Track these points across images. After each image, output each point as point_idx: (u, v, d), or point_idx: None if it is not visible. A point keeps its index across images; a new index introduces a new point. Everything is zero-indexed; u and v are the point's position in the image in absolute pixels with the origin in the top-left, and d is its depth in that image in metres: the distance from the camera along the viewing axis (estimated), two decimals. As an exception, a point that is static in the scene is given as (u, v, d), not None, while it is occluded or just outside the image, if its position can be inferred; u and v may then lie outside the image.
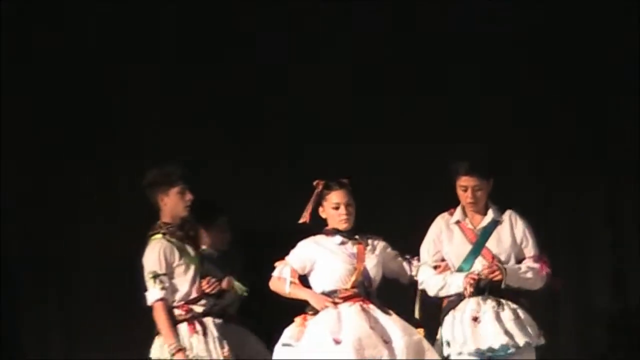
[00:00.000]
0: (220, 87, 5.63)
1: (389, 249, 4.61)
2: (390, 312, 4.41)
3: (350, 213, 4.49)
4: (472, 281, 4.40)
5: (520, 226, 4.56)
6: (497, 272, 4.41)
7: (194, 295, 4.53)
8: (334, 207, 4.48)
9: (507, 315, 4.42)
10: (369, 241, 4.55)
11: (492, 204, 4.60)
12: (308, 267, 4.52)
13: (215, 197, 5.11)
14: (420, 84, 5.59)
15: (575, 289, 5.53)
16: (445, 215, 4.63)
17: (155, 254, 4.47)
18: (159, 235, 4.52)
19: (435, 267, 4.55)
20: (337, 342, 4.27)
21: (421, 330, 4.47)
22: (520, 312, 4.46)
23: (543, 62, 5.55)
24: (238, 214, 5.20)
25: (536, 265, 4.51)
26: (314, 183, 4.55)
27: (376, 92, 5.63)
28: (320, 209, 4.55)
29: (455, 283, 4.46)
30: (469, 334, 4.40)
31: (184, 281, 4.51)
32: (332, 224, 4.52)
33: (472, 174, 4.49)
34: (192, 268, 4.53)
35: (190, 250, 4.59)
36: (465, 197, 4.53)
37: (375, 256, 4.53)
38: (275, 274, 4.55)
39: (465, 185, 4.51)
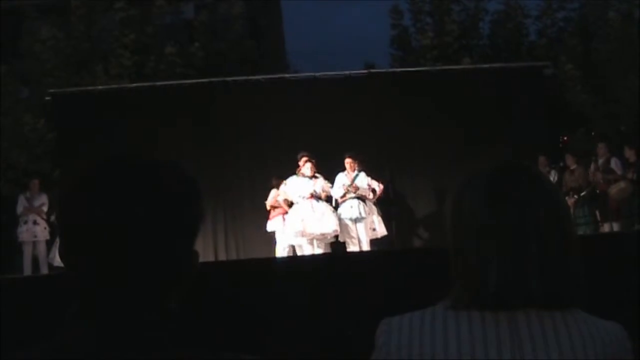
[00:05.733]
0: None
1: (324, 182, 11.65)
2: (324, 204, 11.64)
3: (314, 172, 11.86)
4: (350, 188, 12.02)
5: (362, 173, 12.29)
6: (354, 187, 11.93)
7: None
8: (307, 170, 11.63)
9: (362, 205, 12.14)
10: (320, 179, 11.57)
11: (359, 167, 12.23)
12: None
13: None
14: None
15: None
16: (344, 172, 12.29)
17: None
18: None
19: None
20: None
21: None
22: (367, 202, 12.14)
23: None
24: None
25: (371, 183, 11.98)
26: (300, 155, 11.78)
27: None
28: (301, 163, 11.59)
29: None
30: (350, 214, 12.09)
31: None
32: (304, 173, 11.77)
33: (347, 155, 12.12)
34: None
35: None
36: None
37: (320, 184, 11.52)
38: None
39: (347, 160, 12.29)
